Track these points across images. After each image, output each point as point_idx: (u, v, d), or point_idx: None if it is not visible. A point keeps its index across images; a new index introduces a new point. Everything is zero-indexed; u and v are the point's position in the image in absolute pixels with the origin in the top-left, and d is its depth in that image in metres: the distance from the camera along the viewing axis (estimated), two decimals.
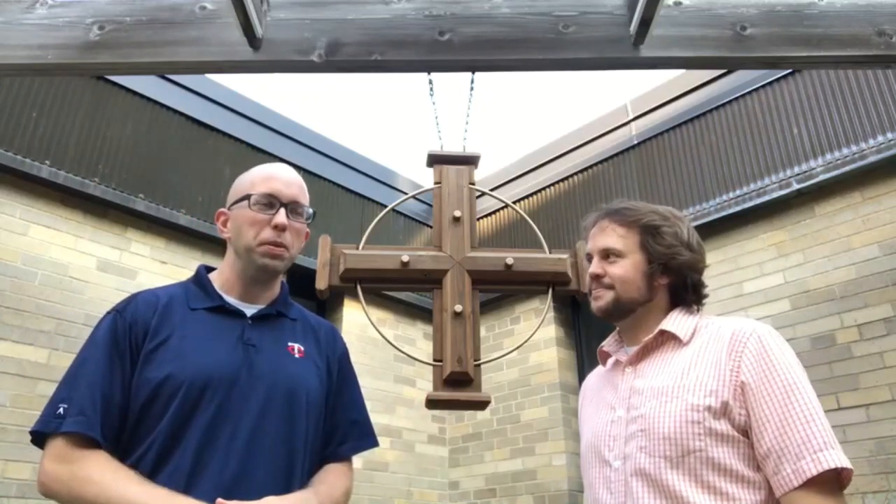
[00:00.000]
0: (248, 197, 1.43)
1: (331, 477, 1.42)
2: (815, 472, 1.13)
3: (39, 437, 1.25)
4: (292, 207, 1.45)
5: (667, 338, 1.39)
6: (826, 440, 1.16)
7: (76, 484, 1.17)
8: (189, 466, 1.20)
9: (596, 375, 1.60)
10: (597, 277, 1.45)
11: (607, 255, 1.45)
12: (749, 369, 1.24)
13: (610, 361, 1.53)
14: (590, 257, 1.51)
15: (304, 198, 1.49)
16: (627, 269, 1.42)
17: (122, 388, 1.26)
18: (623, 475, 1.27)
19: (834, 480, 1.16)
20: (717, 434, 1.21)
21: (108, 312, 1.36)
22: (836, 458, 1.15)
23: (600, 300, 1.45)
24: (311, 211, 1.50)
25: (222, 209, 1.50)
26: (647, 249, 1.42)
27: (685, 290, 1.44)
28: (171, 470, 1.20)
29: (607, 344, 1.53)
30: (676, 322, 1.39)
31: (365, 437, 1.54)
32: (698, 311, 1.46)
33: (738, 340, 1.27)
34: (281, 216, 1.41)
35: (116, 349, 1.29)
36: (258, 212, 1.41)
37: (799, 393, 1.20)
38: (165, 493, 1.16)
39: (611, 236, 1.46)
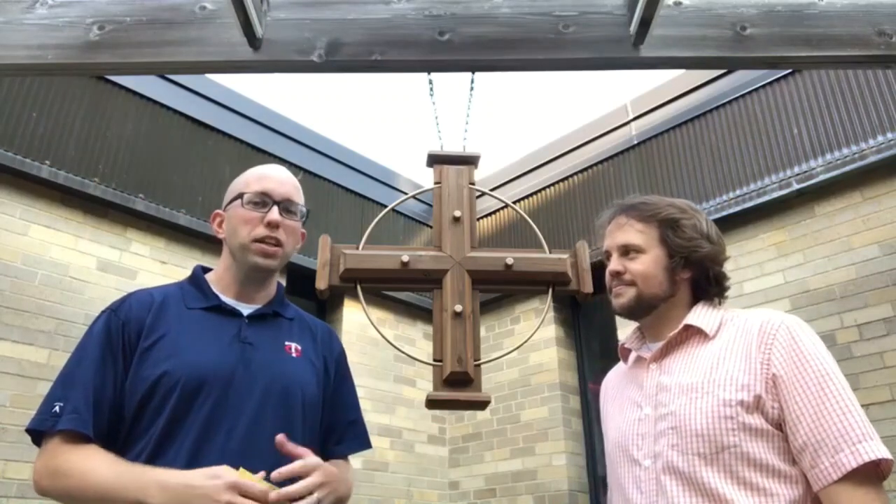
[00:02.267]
0: (241, 196, 1.44)
1: (340, 466, 1.43)
2: (854, 465, 1.10)
3: (36, 436, 1.26)
4: (285, 206, 1.44)
5: (692, 332, 1.35)
6: (865, 431, 1.13)
7: (58, 479, 1.20)
8: (184, 464, 1.20)
9: (616, 373, 1.56)
10: (617, 274, 1.41)
11: (627, 251, 1.41)
12: (780, 361, 1.21)
13: (631, 358, 1.49)
14: (607, 255, 1.46)
15: (298, 197, 1.49)
16: (648, 264, 1.38)
17: (115, 387, 1.27)
18: (654, 473, 1.25)
19: (873, 472, 1.13)
20: (750, 429, 1.18)
21: (103, 311, 1.36)
22: (876, 449, 1.12)
23: (622, 297, 1.41)
24: (304, 209, 1.50)
25: (218, 210, 1.51)
26: (667, 243, 1.39)
27: (707, 283, 1.40)
28: (166, 467, 1.20)
29: (628, 341, 1.49)
30: (701, 316, 1.35)
31: (360, 437, 1.54)
32: (720, 303, 1.42)
33: (768, 333, 1.25)
34: (273, 213, 1.41)
35: (110, 348, 1.29)
36: (251, 210, 1.42)
37: (833, 383, 1.18)
38: (130, 468, 1.17)
39: (629, 232, 1.42)
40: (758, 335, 1.25)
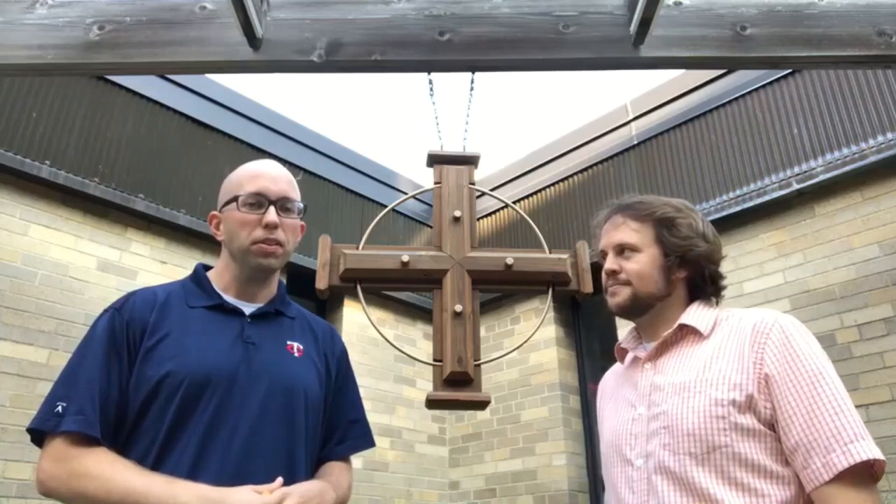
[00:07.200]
0: (236, 198, 1.42)
1: (335, 471, 1.43)
2: (846, 465, 1.09)
3: (37, 435, 1.25)
4: (282, 204, 1.43)
5: (686, 332, 1.35)
6: (857, 431, 1.12)
7: (75, 481, 1.18)
8: (189, 465, 1.20)
9: (614, 373, 1.56)
10: (613, 273, 1.41)
11: (622, 250, 1.41)
12: (773, 361, 1.20)
13: (628, 358, 1.48)
14: (603, 254, 1.46)
15: (294, 193, 1.47)
16: (644, 263, 1.38)
17: (119, 387, 1.26)
18: (646, 473, 1.24)
19: (866, 473, 1.12)
20: (742, 428, 1.17)
21: (106, 310, 1.35)
22: (868, 449, 1.11)
23: (617, 296, 1.40)
24: (301, 205, 1.48)
25: (214, 212, 1.49)
26: (662, 243, 1.38)
27: (703, 282, 1.40)
28: (171, 468, 1.20)
29: (625, 341, 1.49)
30: (696, 315, 1.35)
31: (363, 437, 1.54)
32: (717, 303, 1.42)
33: (761, 332, 1.24)
34: (271, 214, 1.39)
35: (114, 347, 1.28)
36: (247, 212, 1.40)
37: (826, 383, 1.16)
38: (163, 478, 1.17)
39: (625, 231, 1.41)
40: (751, 334, 1.24)
